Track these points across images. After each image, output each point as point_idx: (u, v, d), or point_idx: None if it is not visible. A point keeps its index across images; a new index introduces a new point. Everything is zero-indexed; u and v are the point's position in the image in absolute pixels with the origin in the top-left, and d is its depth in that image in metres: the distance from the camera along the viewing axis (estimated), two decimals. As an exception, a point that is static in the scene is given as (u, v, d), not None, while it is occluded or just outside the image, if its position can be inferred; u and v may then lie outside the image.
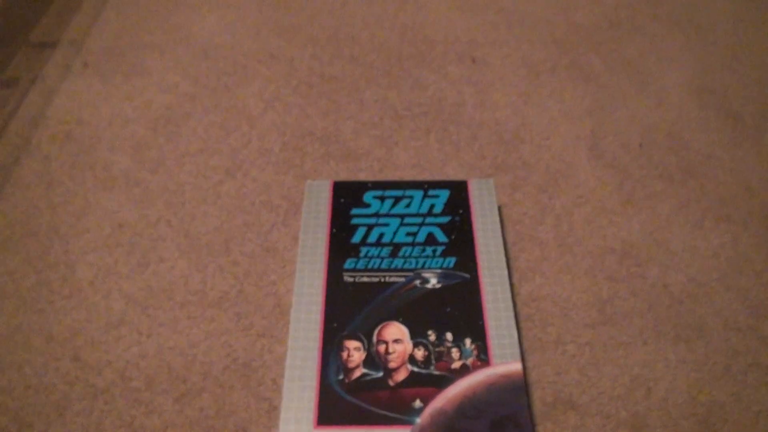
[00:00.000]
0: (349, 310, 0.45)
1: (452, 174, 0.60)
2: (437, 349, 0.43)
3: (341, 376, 0.41)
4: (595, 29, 0.76)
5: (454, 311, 0.45)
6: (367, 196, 0.52)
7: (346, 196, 0.52)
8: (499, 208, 0.54)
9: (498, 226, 0.50)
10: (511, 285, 0.51)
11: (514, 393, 0.40)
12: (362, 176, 0.59)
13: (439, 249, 0.48)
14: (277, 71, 0.70)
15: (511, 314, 0.44)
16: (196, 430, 0.44)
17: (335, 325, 0.44)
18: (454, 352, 0.42)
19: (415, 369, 0.42)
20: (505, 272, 0.47)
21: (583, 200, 0.58)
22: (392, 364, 0.42)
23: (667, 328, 0.49)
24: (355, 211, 0.51)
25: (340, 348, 0.43)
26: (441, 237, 0.49)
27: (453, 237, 0.49)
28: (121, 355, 0.48)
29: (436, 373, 0.41)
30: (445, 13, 0.78)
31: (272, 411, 0.44)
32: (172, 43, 0.73)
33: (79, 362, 0.47)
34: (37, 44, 0.74)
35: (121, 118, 0.65)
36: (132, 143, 0.62)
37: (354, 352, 0.42)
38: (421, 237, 0.49)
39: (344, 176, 0.59)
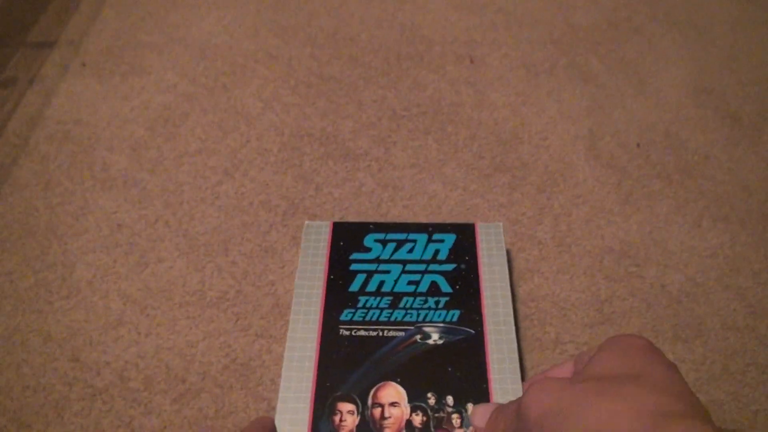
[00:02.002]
0: (344, 368, 0.41)
1: (450, 174, 0.60)
2: (436, 415, 0.39)
3: None
4: (593, 30, 0.76)
5: (456, 371, 0.41)
6: (368, 240, 0.48)
7: (346, 239, 0.48)
8: (508, 252, 0.51)
9: (506, 274, 0.46)
10: (518, 340, 0.48)
11: None
12: (360, 176, 0.59)
13: (443, 300, 0.44)
14: (276, 71, 0.70)
15: (518, 377, 0.40)
16: (195, 431, 0.44)
17: (328, 384, 0.40)
18: (455, 419, 0.38)
19: None
20: (512, 328, 0.43)
21: (581, 200, 0.58)
22: (388, 431, 0.38)
23: (665, 328, 0.49)
24: (354, 255, 0.47)
25: (332, 411, 0.39)
26: (445, 287, 0.45)
27: (458, 287, 0.45)
28: (120, 355, 0.47)
29: None
30: (444, 13, 0.78)
31: (271, 411, 0.44)
32: (170, 43, 0.73)
33: (78, 362, 0.47)
34: (35, 44, 0.74)
35: (119, 118, 0.65)
36: (130, 143, 0.62)
37: (347, 415, 0.39)
38: (423, 286, 0.45)
39: (342, 176, 0.59)
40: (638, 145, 0.63)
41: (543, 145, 0.63)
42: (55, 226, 0.56)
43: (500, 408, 0.34)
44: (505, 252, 0.47)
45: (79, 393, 0.45)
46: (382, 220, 0.56)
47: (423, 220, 0.56)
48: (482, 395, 0.39)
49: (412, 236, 0.48)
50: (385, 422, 0.38)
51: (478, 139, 0.63)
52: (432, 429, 0.38)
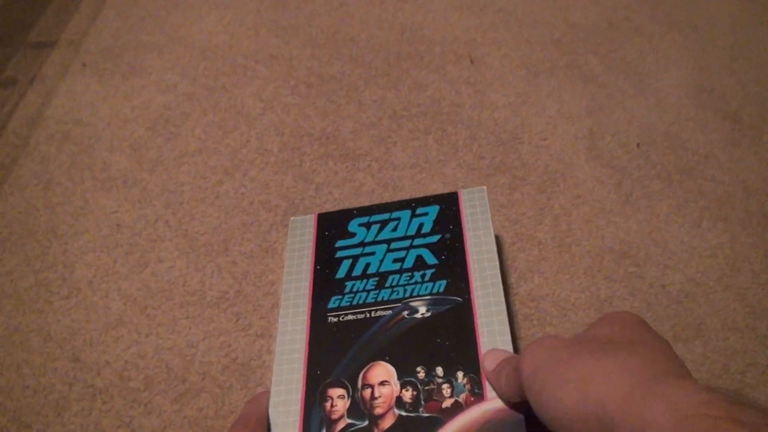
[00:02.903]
0: (333, 354, 0.40)
1: (450, 174, 0.60)
2: (426, 388, 0.38)
3: (324, 431, 0.37)
4: (593, 30, 0.76)
5: (445, 341, 0.40)
6: (352, 225, 0.48)
7: (331, 228, 0.48)
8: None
9: (492, 237, 0.44)
10: (509, 305, 0.47)
11: (514, 429, 0.35)
12: (360, 176, 0.59)
13: (429, 272, 0.44)
14: (276, 71, 0.70)
15: (508, 338, 0.39)
16: (195, 431, 0.44)
17: (319, 372, 0.40)
18: (445, 389, 0.38)
19: (403, 413, 0.37)
20: (501, 289, 0.41)
21: (581, 200, 0.58)
22: (378, 410, 0.38)
23: (665, 328, 0.49)
24: (340, 243, 0.47)
25: (324, 398, 0.39)
26: (430, 259, 0.44)
27: (443, 257, 0.44)
28: (120, 355, 0.47)
29: (426, 415, 0.37)
30: (444, 13, 0.78)
31: (271, 411, 0.44)
32: (170, 43, 0.73)
33: (78, 362, 0.47)
34: (35, 44, 0.74)
35: (119, 119, 0.65)
36: (130, 143, 0.62)
37: (338, 400, 0.39)
38: (409, 262, 0.44)
39: (343, 176, 0.59)
40: (638, 145, 0.63)
41: (543, 146, 0.63)
42: (55, 225, 0.56)
43: (509, 358, 0.35)
44: (489, 216, 0.46)
45: (79, 393, 0.45)
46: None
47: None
48: (471, 361, 0.39)
49: (395, 215, 0.48)
50: (375, 402, 0.38)
51: (478, 139, 0.63)
52: (422, 402, 0.38)
